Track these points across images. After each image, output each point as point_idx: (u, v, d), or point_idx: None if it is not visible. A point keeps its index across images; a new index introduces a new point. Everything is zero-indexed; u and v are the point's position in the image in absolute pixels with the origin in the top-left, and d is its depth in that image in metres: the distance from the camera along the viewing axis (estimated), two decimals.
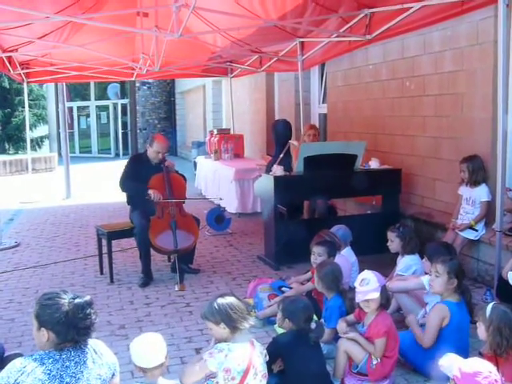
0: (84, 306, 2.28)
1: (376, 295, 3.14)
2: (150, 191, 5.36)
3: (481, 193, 5.06)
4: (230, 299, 2.83)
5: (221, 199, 7.91)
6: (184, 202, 5.70)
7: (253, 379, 2.70)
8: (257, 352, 2.79)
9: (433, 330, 3.34)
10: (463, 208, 5.21)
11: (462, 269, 3.51)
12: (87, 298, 2.33)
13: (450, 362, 2.36)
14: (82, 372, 2.23)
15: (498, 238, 4.52)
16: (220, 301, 2.81)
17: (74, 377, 2.21)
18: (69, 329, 2.23)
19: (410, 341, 3.44)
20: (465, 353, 3.18)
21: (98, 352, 2.32)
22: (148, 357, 2.59)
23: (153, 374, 2.62)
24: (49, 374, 2.18)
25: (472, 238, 5.07)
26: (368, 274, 3.22)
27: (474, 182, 5.09)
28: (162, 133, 18.77)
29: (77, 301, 2.29)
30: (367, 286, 3.15)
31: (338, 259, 4.31)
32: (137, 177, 5.49)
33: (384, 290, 3.19)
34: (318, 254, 4.31)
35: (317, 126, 7.30)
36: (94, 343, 2.36)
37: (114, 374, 2.35)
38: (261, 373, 2.76)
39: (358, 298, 3.20)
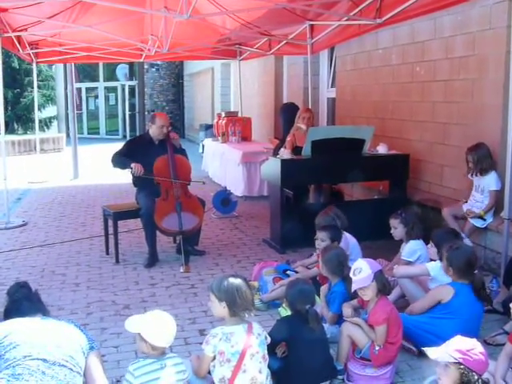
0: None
1: (368, 282, 3.13)
2: (132, 165, 5.40)
3: (490, 181, 4.98)
4: (240, 283, 2.80)
5: (204, 183, 6.75)
6: (189, 184, 5.71)
7: (250, 360, 2.70)
8: (254, 334, 2.77)
9: (427, 301, 3.52)
10: (473, 195, 5.16)
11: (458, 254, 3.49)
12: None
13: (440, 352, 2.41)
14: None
15: (506, 226, 4.50)
16: (231, 280, 2.79)
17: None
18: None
19: (411, 320, 3.47)
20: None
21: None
22: (166, 336, 2.63)
23: (160, 352, 2.66)
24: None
25: (479, 226, 5.03)
26: (360, 263, 3.22)
27: (480, 171, 5.01)
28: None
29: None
30: (359, 274, 3.15)
31: (344, 240, 4.31)
32: (140, 158, 5.47)
33: (379, 276, 3.17)
34: (320, 239, 4.26)
35: (312, 110, 7.23)
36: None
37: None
38: (259, 354, 2.74)
39: (353, 288, 3.21)
